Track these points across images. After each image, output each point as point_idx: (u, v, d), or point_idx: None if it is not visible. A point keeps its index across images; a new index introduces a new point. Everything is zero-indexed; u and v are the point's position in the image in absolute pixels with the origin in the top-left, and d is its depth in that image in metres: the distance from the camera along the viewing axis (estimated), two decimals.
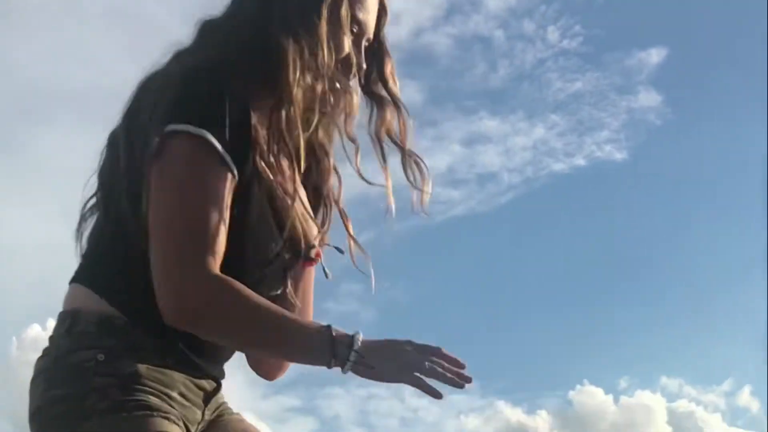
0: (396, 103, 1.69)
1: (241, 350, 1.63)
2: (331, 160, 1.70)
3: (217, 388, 1.63)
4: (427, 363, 1.47)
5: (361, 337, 1.47)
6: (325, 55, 1.56)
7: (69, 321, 1.51)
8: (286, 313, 1.50)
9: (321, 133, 1.68)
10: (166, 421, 1.46)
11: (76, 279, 1.56)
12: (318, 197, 1.71)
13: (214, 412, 1.63)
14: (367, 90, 1.69)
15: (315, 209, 1.70)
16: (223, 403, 1.67)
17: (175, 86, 1.49)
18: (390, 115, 1.68)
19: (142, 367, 1.47)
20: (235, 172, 1.48)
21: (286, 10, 1.57)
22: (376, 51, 1.70)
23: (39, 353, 1.52)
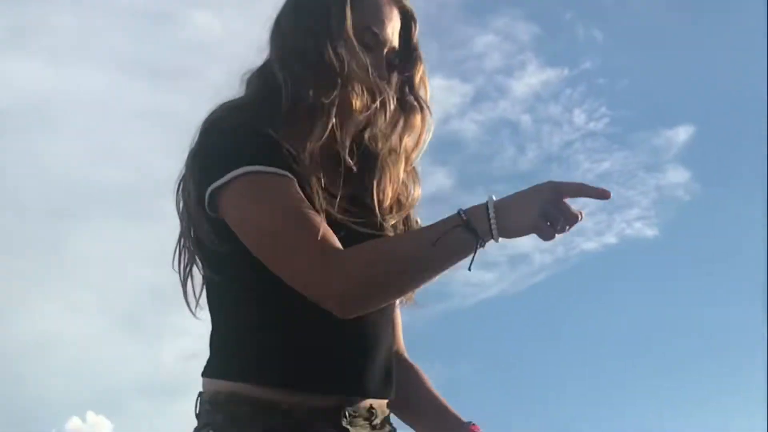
0: (422, 107, 1.69)
1: (401, 292, 1.57)
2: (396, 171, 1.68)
3: None
4: (554, 213, 1.42)
5: (493, 199, 1.44)
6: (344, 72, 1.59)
7: (196, 403, 1.60)
8: (413, 231, 1.53)
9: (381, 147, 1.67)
10: None
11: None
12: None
13: None
14: (399, 97, 1.68)
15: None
16: None
17: (199, 146, 1.57)
18: (414, 121, 1.69)
19: None
20: (293, 177, 1.52)
21: (297, 44, 1.63)
22: (407, 58, 1.71)
23: None
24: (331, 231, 1.50)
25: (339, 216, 1.55)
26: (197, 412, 1.59)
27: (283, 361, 1.55)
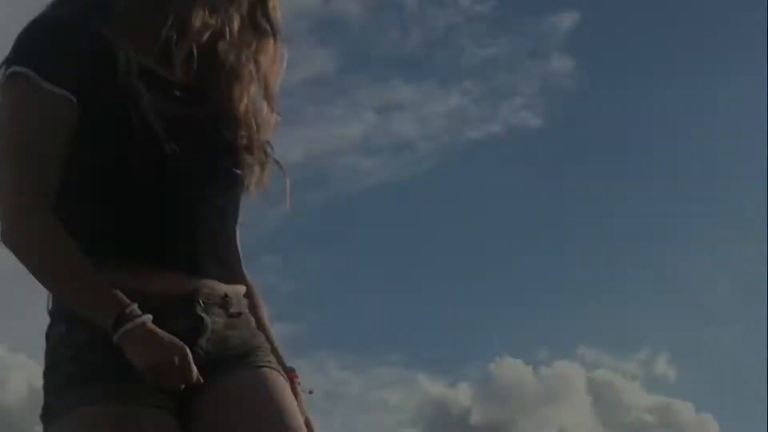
0: (274, 32, 1.64)
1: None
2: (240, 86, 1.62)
3: (195, 329, 1.52)
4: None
5: (141, 323, 1.43)
6: None
7: (48, 301, 1.55)
8: (88, 267, 1.47)
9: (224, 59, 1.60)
10: (118, 386, 1.45)
11: None
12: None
13: (224, 353, 1.55)
14: (251, 19, 1.63)
15: None
16: (238, 347, 1.58)
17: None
18: (267, 45, 1.64)
19: (96, 333, 1.46)
20: (71, 96, 1.48)
21: None
22: None
23: None
24: (50, 178, 1.49)
25: (166, 143, 1.50)
26: (49, 310, 1.54)
27: (116, 239, 1.52)
